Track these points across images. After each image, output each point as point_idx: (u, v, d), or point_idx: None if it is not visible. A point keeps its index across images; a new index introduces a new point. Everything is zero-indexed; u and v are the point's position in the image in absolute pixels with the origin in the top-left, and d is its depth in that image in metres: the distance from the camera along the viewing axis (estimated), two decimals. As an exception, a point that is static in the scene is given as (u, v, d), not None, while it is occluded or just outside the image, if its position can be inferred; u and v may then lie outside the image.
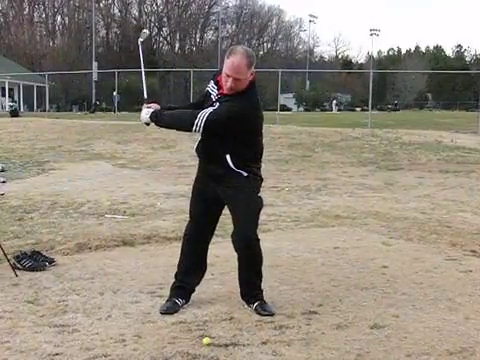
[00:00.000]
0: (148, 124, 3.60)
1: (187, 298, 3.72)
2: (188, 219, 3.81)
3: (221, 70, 3.48)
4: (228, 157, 3.46)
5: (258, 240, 3.56)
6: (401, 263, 4.81)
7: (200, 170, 3.69)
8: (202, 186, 3.67)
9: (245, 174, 3.50)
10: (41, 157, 13.43)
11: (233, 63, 3.37)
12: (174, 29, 71.70)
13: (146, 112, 3.58)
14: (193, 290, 3.76)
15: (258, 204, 3.59)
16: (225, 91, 3.45)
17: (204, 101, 3.56)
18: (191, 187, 3.80)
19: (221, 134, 3.43)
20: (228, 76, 3.38)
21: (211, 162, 3.56)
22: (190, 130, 3.41)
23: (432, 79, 66.64)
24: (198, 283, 3.79)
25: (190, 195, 3.80)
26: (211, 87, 3.56)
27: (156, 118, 3.54)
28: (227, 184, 3.51)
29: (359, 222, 6.62)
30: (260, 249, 3.59)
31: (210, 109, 3.41)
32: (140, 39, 4.22)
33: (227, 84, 3.40)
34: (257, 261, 3.60)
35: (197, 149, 3.65)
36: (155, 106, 3.64)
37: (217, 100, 3.48)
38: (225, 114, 3.36)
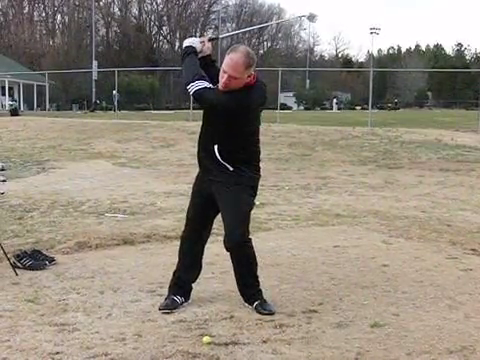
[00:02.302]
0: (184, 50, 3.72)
1: (186, 296, 3.72)
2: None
3: None
4: (216, 148, 3.50)
5: (249, 240, 3.56)
6: (401, 262, 4.81)
7: (199, 166, 3.72)
8: (201, 184, 3.69)
9: (231, 169, 3.51)
10: (41, 156, 13.42)
11: (231, 59, 3.38)
12: (174, 28, 71.63)
13: (193, 42, 3.72)
14: (191, 288, 3.77)
15: (248, 204, 3.57)
16: (220, 87, 3.46)
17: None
18: (191, 186, 3.81)
19: (205, 112, 3.56)
20: (224, 72, 3.39)
21: (205, 155, 3.59)
22: (186, 86, 3.49)
23: (432, 78, 66.69)
24: (194, 281, 3.79)
25: (190, 194, 3.80)
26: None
27: (185, 54, 3.66)
28: (214, 177, 3.53)
29: (359, 221, 6.61)
30: (252, 249, 3.58)
31: (209, 85, 3.45)
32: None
33: (222, 80, 3.41)
34: (250, 261, 3.59)
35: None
36: (207, 47, 3.74)
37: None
38: (211, 96, 3.42)
